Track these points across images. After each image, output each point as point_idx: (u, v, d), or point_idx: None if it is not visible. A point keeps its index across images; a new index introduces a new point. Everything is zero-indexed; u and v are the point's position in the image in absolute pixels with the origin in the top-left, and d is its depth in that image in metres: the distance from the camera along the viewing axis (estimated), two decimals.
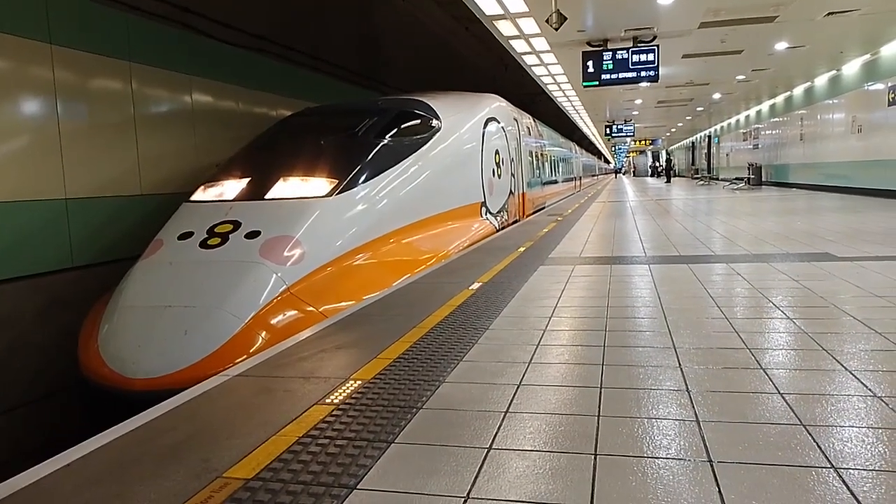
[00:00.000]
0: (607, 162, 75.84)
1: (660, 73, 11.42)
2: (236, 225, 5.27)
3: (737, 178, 23.93)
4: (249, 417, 2.43)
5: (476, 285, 4.98)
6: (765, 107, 23.71)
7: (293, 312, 4.62)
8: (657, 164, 54.80)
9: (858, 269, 5.14)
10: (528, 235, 8.70)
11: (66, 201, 6.52)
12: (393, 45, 14.91)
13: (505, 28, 10.37)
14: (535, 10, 9.15)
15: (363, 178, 6.06)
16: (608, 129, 29.01)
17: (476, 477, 1.89)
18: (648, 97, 20.80)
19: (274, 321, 4.49)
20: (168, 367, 4.03)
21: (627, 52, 11.23)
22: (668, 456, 1.96)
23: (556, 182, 18.58)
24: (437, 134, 7.45)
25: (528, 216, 12.48)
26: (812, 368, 2.75)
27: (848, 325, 3.44)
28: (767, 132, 23.81)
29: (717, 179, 31.15)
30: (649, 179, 46.07)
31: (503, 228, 9.80)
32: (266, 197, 5.74)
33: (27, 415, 6.01)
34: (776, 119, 22.43)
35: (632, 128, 29.16)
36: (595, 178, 45.50)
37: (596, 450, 2.03)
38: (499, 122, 10.00)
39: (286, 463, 2.02)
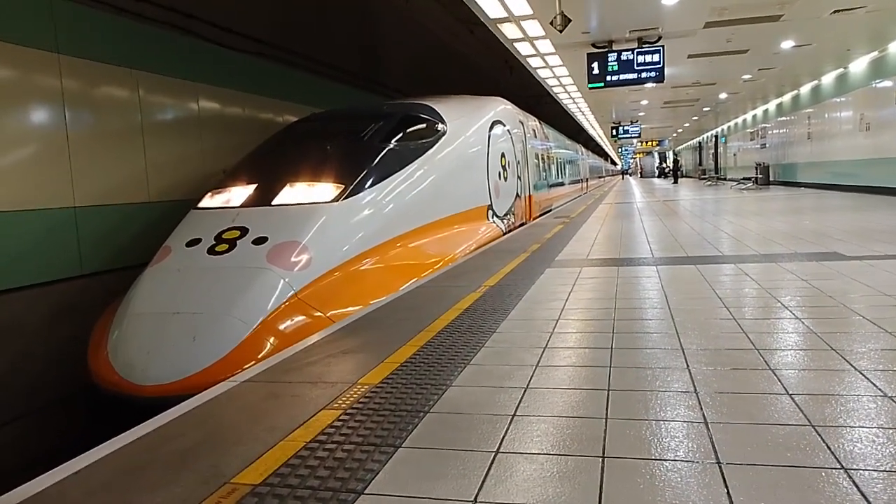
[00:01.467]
0: (614, 163, 75.63)
1: (665, 73, 11.39)
2: (244, 231, 5.30)
3: (744, 178, 23.81)
4: (257, 423, 2.44)
5: (483, 288, 4.98)
6: (772, 106, 23.60)
7: (301, 317, 4.63)
8: (664, 164, 54.54)
9: (868, 267, 5.10)
10: (535, 238, 8.68)
11: (74, 209, 6.57)
12: (397, 49, 14.97)
13: (509, 31, 10.37)
14: (540, 13, 9.15)
15: (369, 182, 6.07)
16: (614, 131, 28.93)
17: (483, 480, 1.88)
18: (654, 98, 20.74)
19: (282, 326, 4.51)
20: (177, 374, 4.05)
21: (632, 52, 11.20)
22: (677, 458, 1.95)
23: (562, 184, 18.55)
24: (443, 138, 7.45)
25: (534, 219, 12.46)
26: (821, 369, 2.73)
27: (857, 325, 3.41)
28: (775, 131, 23.69)
29: (725, 179, 31.00)
30: (656, 180, 45.90)
31: (510, 231, 9.79)
32: (273, 203, 5.76)
33: (34, 423, 6.05)
34: (783, 118, 22.31)
35: (638, 129, 29.07)
36: (602, 179, 45.39)
37: (604, 452, 2.02)
38: (504, 125, 10.00)
39: (294, 468, 2.03)
